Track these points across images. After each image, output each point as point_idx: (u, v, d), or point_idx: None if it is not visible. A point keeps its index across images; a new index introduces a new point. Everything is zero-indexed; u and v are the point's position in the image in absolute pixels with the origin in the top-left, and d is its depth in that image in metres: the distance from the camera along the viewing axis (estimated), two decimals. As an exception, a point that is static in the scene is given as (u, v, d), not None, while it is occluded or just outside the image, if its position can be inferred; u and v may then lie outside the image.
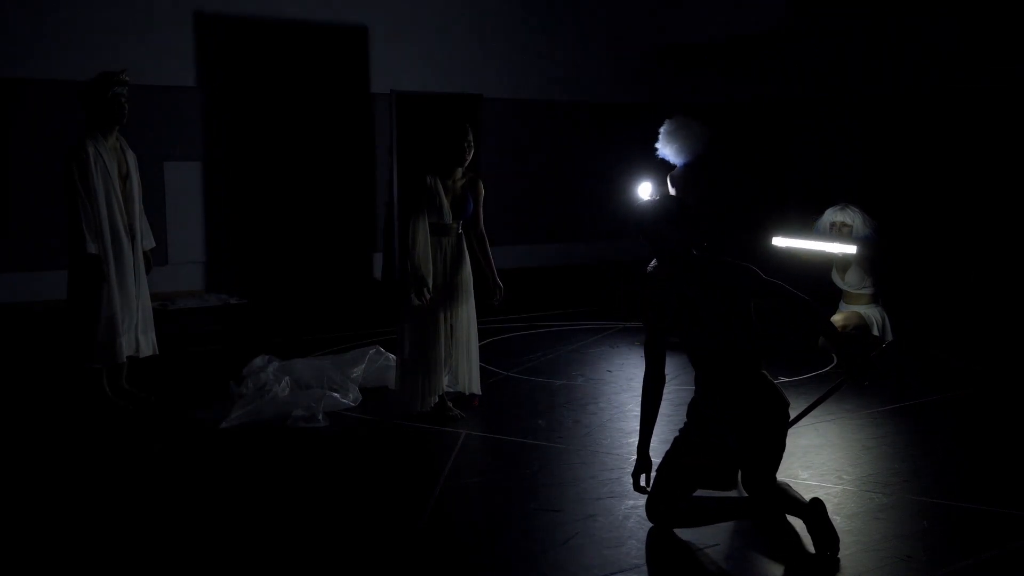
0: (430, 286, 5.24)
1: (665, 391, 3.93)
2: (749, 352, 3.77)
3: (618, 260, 12.80)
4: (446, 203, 5.32)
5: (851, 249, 6.58)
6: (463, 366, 5.51)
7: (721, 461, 3.82)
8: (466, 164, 5.39)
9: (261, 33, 9.81)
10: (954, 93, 10.86)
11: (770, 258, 6.47)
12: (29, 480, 4.52)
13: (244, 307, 9.23)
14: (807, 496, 3.78)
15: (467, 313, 5.50)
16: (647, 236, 3.88)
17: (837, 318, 7.20)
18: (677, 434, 3.94)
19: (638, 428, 3.92)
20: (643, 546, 3.72)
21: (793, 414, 3.93)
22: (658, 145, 7.29)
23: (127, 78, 5.42)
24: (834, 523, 3.73)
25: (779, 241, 7.05)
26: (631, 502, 4.07)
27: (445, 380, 5.45)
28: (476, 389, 5.60)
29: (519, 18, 12.13)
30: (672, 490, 3.80)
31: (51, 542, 3.80)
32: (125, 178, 5.53)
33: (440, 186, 5.32)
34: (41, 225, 8.90)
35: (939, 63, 10.87)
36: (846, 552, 3.60)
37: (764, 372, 3.82)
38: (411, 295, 5.22)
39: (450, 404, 5.44)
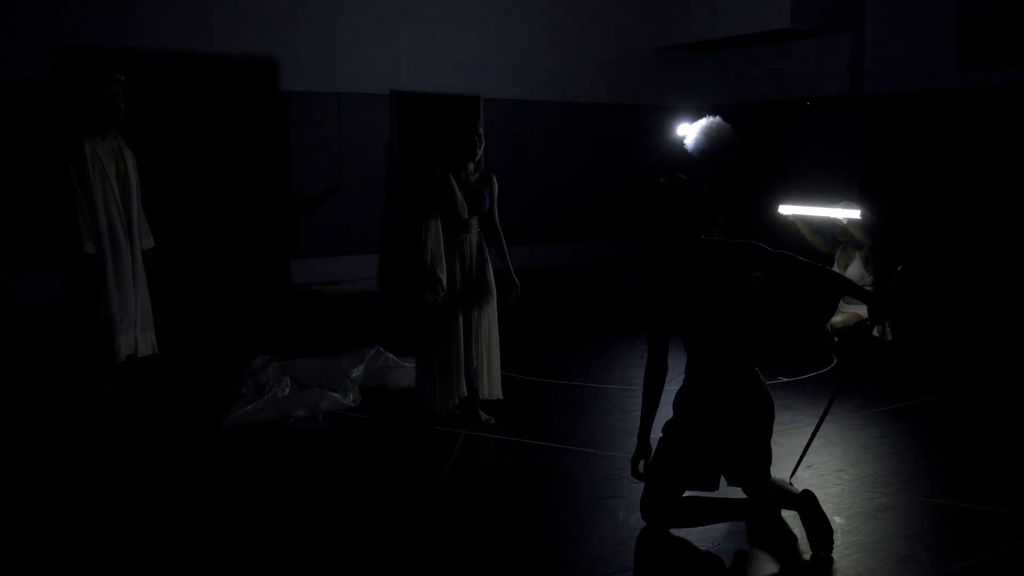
0: (444, 284, 5.15)
1: (668, 380, 3.91)
2: (747, 345, 3.77)
3: (617, 260, 12.82)
4: (460, 196, 5.19)
5: (855, 214, 6.62)
6: (483, 370, 5.37)
7: (706, 462, 3.81)
8: (477, 158, 5.30)
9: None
10: (955, 93, 10.85)
11: (775, 231, 6.58)
12: (29, 480, 4.51)
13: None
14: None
15: (489, 316, 5.36)
16: (656, 220, 3.84)
17: (837, 319, 7.21)
18: (662, 433, 3.92)
19: (638, 427, 3.92)
20: (643, 546, 3.72)
21: (779, 415, 3.90)
22: (690, 135, 7.53)
23: (122, 77, 5.43)
24: (834, 523, 3.74)
25: (785, 209, 7.09)
26: (631, 502, 4.06)
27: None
28: (497, 394, 5.46)
29: (519, 18, 12.13)
30: (663, 489, 3.80)
31: (51, 542, 3.79)
32: (123, 178, 5.54)
33: (453, 181, 5.20)
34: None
35: (937, 63, 10.86)
36: (845, 552, 3.60)
37: (757, 370, 3.82)
38: (425, 294, 5.13)
39: (480, 410, 5.36)
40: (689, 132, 7.58)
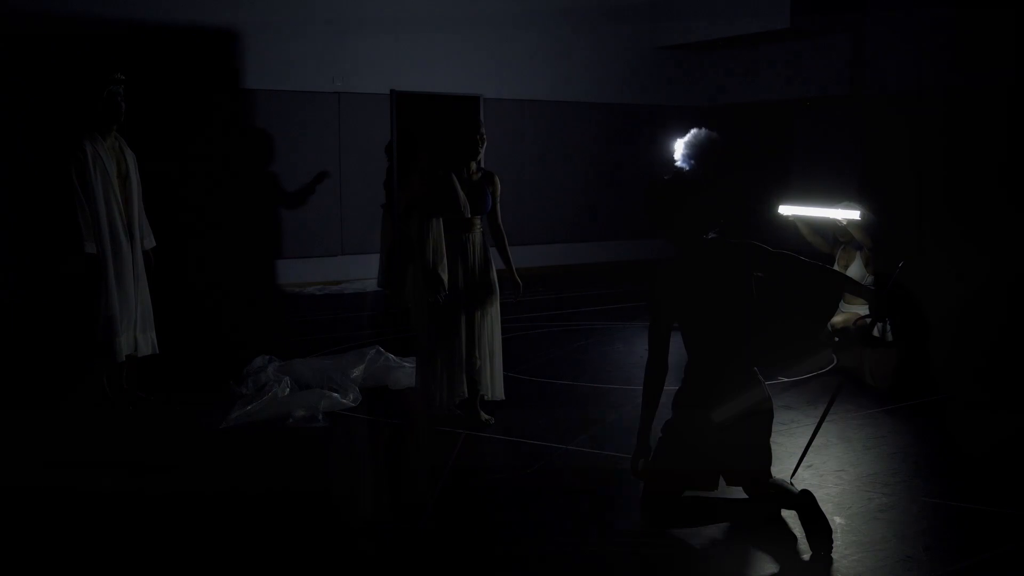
0: (446, 284, 5.15)
1: (667, 380, 3.91)
2: (746, 345, 3.77)
3: (617, 260, 12.83)
4: (462, 196, 5.17)
5: (855, 214, 6.62)
6: (486, 371, 5.34)
7: (706, 462, 3.81)
8: (479, 157, 5.29)
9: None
10: (955, 93, 10.85)
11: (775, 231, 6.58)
12: (29, 479, 4.51)
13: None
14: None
15: (492, 316, 5.33)
16: (657, 219, 3.84)
17: (837, 319, 7.20)
18: (661, 433, 3.92)
19: (638, 427, 3.92)
20: (643, 547, 3.71)
21: (778, 415, 3.91)
22: (677, 151, 7.52)
23: (122, 77, 5.42)
24: (834, 523, 3.74)
25: (785, 209, 7.10)
26: (631, 502, 4.06)
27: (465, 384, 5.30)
28: (500, 395, 5.43)
29: (519, 18, 12.13)
30: (663, 489, 3.80)
31: (51, 542, 3.79)
32: (124, 178, 5.53)
33: (455, 180, 5.18)
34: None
35: (937, 63, 10.86)
36: (845, 552, 3.60)
37: (756, 369, 3.82)
38: (427, 294, 5.10)
39: (481, 410, 5.34)
40: (677, 148, 7.58)
